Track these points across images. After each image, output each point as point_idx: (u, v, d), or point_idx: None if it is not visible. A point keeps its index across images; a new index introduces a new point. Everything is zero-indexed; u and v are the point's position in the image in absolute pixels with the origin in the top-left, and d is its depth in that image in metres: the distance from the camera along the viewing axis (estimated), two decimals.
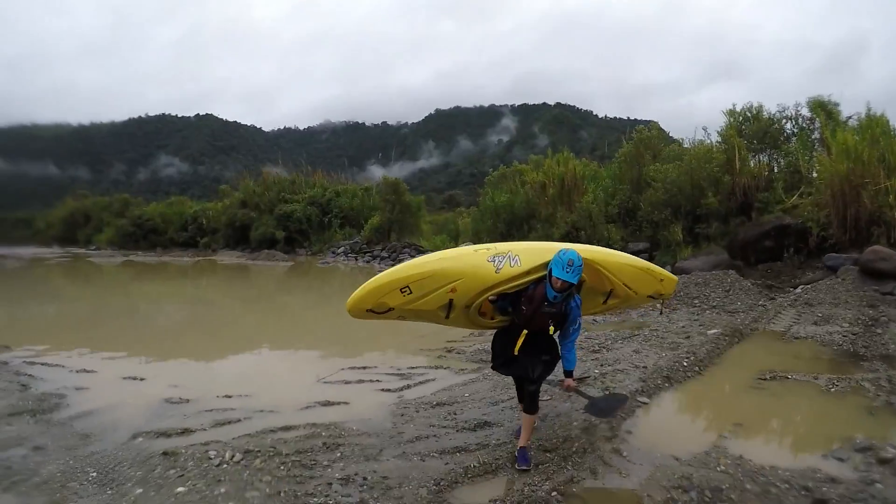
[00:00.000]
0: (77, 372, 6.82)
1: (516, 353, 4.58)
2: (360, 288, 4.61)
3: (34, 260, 34.86)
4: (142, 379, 6.48)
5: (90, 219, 55.32)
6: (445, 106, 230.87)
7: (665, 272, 5.38)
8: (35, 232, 75.87)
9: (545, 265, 4.44)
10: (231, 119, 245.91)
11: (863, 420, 5.12)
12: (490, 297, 4.63)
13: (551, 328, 4.50)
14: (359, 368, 6.98)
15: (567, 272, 4.23)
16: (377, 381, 6.50)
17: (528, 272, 4.52)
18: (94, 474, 4.14)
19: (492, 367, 4.93)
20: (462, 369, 7.05)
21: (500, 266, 4.52)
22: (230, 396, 5.81)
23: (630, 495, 3.91)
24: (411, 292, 4.56)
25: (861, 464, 4.19)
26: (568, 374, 4.60)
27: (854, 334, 7.97)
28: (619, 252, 5.56)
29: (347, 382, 6.45)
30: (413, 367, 7.06)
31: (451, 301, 4.64)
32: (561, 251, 4.36)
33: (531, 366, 4.59)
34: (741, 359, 7.27)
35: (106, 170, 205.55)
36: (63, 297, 17.48)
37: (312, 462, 4.33)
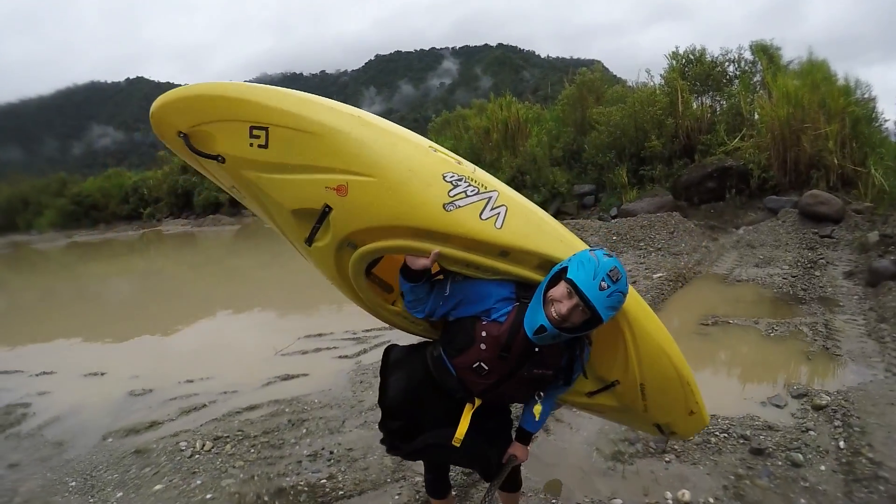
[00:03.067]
0: (37, 375, 6.82)
1: (457, 442, 2.49)
2: (188, 86, 2.56)
3: None
4: (103, 374, 6.55)
5: (28, 203, 53.45)
6: (385, 51, 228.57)
7: (702, 404, 2.82)
8: None
9: (549, 262, 2.43)
10: (164, 80, 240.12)
11: (800, 365, 5.40)
12: (408, 259, 2.41)
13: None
14: (315, 336, 7.12)
15: (600, 290, 2.18)
16: (334, 347, 6.66)
17: (508, 251, 2.41)
18: (74, 484, 4.20)
19: (388, 449, 2.73)
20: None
21: (460, 203, 2.35)
22: (192, 381, 5.91)
23: (580, 449, 4.07)
24: (266, 145, 2.37)
25: (797, 411, 4.41)
26: (524, 437, 2.75)
27: (794, 276, 8.37)
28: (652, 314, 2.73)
29: (304, 353, 6.60)
30: (368, 330, 7.19)
31: (325, 210, 2.39)
32: (596, 249, 2.33)
33: (486, 452, 2.66)
34: (685, 304, 7.56)
35: (38, 148, 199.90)
36: (8, 290, 17.12)
37: (280, 441, 4.44)
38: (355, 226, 2.36)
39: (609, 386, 2.73)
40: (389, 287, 2.91)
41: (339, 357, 6.31)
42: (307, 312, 8.90)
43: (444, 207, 2.30)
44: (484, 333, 2.33)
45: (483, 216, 2.34)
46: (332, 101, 2.50)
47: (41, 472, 4.44)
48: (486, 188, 2.38)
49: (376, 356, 6.13)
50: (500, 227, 2.35)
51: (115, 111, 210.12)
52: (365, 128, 2.39)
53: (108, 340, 8.55)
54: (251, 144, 2.34)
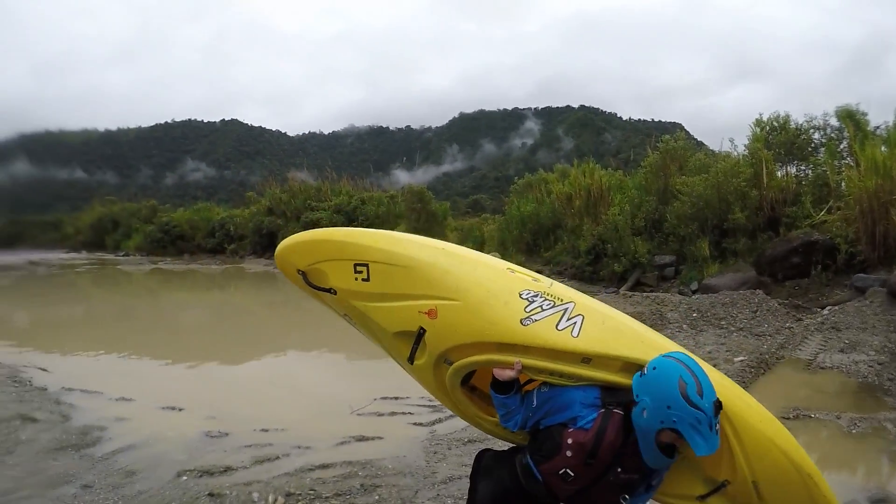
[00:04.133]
0: (116, 400, 6.91)
1: None
2: (302, 233, 3.25)
3: (64, 266, 35.33)
4: (180, 409, 6.59)
5: (118, 224, 56.02)
6: (469, 109, 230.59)
7: (832, 499, 2.57)
8: (63, 236, 77.30)
9: (631, 364, 2.47)
10: (256, 124, 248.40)
11: (881, 466, 5.12)
12: (495, 371, 2.58)
13: None
14: (391, 399, 7.06)
15: (712, 434, 2.14)
16: (409, 413, 6.57)
17: (590, 357, 2.50)
18: None
19: None
20: None
21: (536, 317, 2.54)
22: (266, 430, 5.90)
23: None
24: (368, 279, 2.87)
25: None
26: None
27: (880, 364, 7.87)
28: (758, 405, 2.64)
29: (380, 415, 6.54)
30: None
31: (420, 332, 2.73)
32: (686, 359, 2.28)
33: None
34: (767, 393, 7.24)
35: (133, 174, 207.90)
36: (89, 302, 17.84)
37: None
38: (446, 344, 2.70)
39: (719, 487, 2.58)
40: (487, 396, 2.98)
41: (414, 424, 6.23)
42: (380, 368, 8.89)
43: (522, 322, 2.54)
44: (570, 441, 2.35)
45: (559, 327, 2.53)
46: (420, 236, 3.07)
47: (113, 498, 4.48)
48: (561, 301, 2.62)
49: (451, 427, 6.07)
50: (577, 336, 2.51)
51: (209, 148, 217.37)
52: (448, 257, 2.85)
53: (185, 371, 8.69)
54: (356, 278, 2.90)
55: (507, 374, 2.53)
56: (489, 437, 5.37)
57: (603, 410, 2.37)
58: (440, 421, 6.31)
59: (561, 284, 2.81)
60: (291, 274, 3.16)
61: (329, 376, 8.90)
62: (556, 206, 21.07)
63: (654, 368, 2.25)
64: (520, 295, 2.61)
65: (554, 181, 23.56)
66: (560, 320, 2.54)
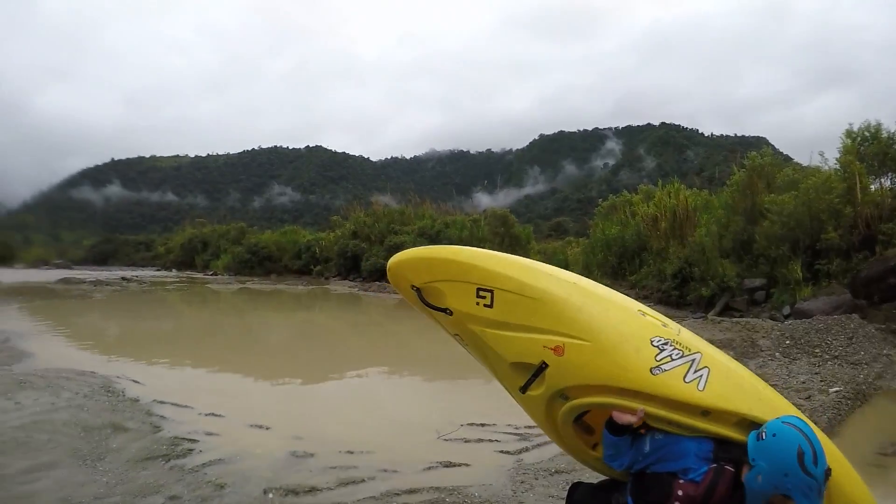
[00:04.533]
0: (206, 415, 6.98)
1: None
2: (422, 248, 3.17)
3: (155, 283, 36.76)
4: (267, 428, 6.60)
5: (208, 245, 58.18)
6: (549, 130, 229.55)
7: None
8: (155, 255, 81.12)
9: (748, 421, 2.44)
10: (340, 150, 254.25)
11: None
12: (615, 414, 2.54)
13: None
14: (477, 425, 6.98)
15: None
16: (496, 440, 6.44)
17: (710, 411, 2.46)
18: None
19: None
20: None
21: (665, 367, 2.49)
22: (352, 452, 5.87)
23: None
24: (491, 305, 2.74)
25: None
26: None
27: None
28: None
29: (467, 441, 6.42)
30: (531, 427, 6.74)
31: (542, 367, 2.65)
32: (803, 426, 2.26)
33: None
34: (863, 426, 6.85)
35: (222, 198, 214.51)
36: (178, 317, 18.43)
37: None
38: (569, 382, 2.64)
39: None
40: (591, 428, 3.04)
41: (501, 451, 6.11)
42: (464, 392, 8.82)
43: (651, 371, 2.48)
44: (680, 493, 2.33)
45: (687, 379, 2.48)
46: (550, 266, 2.94)
47: None
48: (689, 351, 2.54)
49: (538, 456, 5.89)
50: (703, 389, 2.46)
51: (295, 173, 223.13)
52: (581, 294, 2.73)
53: (271, 389, 8.80)
54: (477, 303, 2.77)
55: (628, 419, 2.51)
56: (577, 467, 5.25)
57: (715, 466, 2.36)
58: (527, 450, 6.17)
59: (687, 331, 2.76)
60: (404, 288, 3.09)
61: (412, 398, 8.86)
62: (642, 228, 20.71)
63: (774, 435, 2.23)
64: (651, 342, 2.55)
65: (638, 202, 23.16)
66: (688, 372, 2.50)
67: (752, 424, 2.39)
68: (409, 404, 8.47)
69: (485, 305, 2.76)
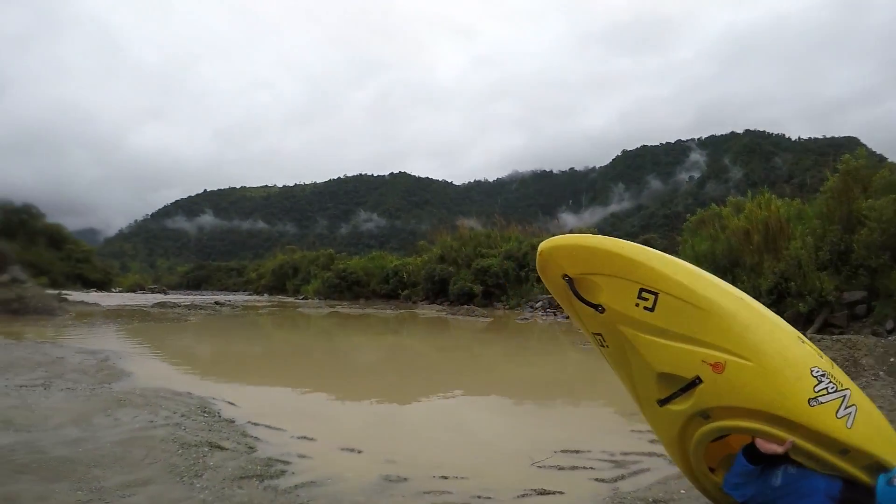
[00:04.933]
0: (298, 438, 6.97)
1: None
2: (583, 236, 2.80)
3: (247, 307, 37.72)
4: (359, 451, 6.55)
5: (298, 270, 59.83)
6: (631, 146, 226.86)
7: None
8: (246, 280, 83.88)
9: (880, 465, 2.40)
10: (423, 175, 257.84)
11: None
12: (759, 441, 2.45)
13: None
14: (571, 452, 6.82)
15: None
16: (590, 468, 6.28)
17: (849, 450, 2.40)
18: None
19: None
20: None
21: (822, 399, 2.40)
22: (446, 477, 5.81)
23: None
24: (652, 308, 2.53)
25: None
26: None
27: None
28: None
29: (561, 468, 6.24)
30: (626, 453, 6.62)
31: (695, 382, 2.49)
32: None
33: None
34: None
35: (310, 225, 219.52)
36: (269, 340, 18.94)
37: None
38: (721, 402, 2.47)
39: None
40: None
41: (596, 479, 5.93)
42: (555, 417, 8.61)
43: (809, 402, 2.37)
44: None
45: (839, 414, 2.39)
46: (714, 276, 2.69)
47: None
48: (842, 386, 2.46)
49: (634, 484, 5.65)
50: (851, 427, 2.38)
51: (380, 200, 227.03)
52: (748, 311, 2.55)
53: (362, 413, 8.75)
54: (637, 304, 2.55)
55: (773, 448, 2.42)
56: (674, 497, 5.10)
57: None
58: (623, 477, 5.95)
59: (837, 367, 2.66)
60: (552, 276, 2.81)
61: (502, 422, 8.71)
62: (733, 242, 20.05)
63: None
64: (811, 371, 2.44)
65: (728, 216, 22.48)
66: (840, 407, 2.41)
67: (880, 468, 2.36)
68: (498, 428, 8.33)
69: (645, 308, 2.55)
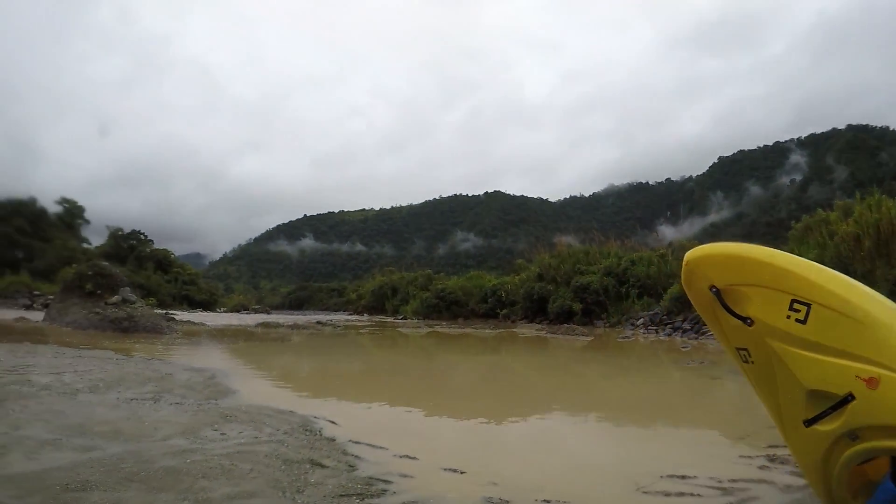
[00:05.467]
0: (400, 457, 6.88)
1: None
2: (732, 244, 2.69)
3: (347, 326, 38.29)
4: (462, 472, 6.44)
5: (397, 291, 60.78)
6: (727, 151, 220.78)
7: None
8: (347, 301, 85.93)
9: None
10: (518, 193, 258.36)
11: None
12: None
13: None
14: (677, 477, 6.58)
15: None
16: (697, 495, 6.04)
17: None
18: None
19: None
20: (788, 486, 6.24)
21: None
22: (548, 502, 5.70)
23: None
24: (804, 321, 2.37)
25: None
26: None
27: None
28: None
29: (667, 495, 6.02)
30: (734, 480, 6.20)
31: (846, 399, 2.29)
32: None
33: None
34: None
35: (408, 246, 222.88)
36: (369, 358, 19.27)
37: None
38: (873, 420, 2.25)
39: None
40: None
41: None
42: (657, 439, 8.29)
43: None
44: None
45: None
46: (867, 287, 2.47)
47: None
48: None
49: None
50: None
51: (476, 219, 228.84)
52: None
53: (463, 432, 8.59)
54: (788, 317, 2.38)
55: None
56: None
57: None
58: None
59: None
60: (698, 287, 2.70)
61: (603, 445, 8.45)
62: (842, 249, 19.18)
63: None
64: None
65: (836, 221, 21.53)
66: None
67: None
68: (599, 450, 8.09)
69: (797, 320, 2.38)
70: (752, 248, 2.56)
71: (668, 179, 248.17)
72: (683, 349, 20.41)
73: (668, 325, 27.75)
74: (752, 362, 2.62)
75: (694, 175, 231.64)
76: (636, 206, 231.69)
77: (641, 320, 30.34)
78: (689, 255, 2.72)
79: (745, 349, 2.62)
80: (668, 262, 34.58)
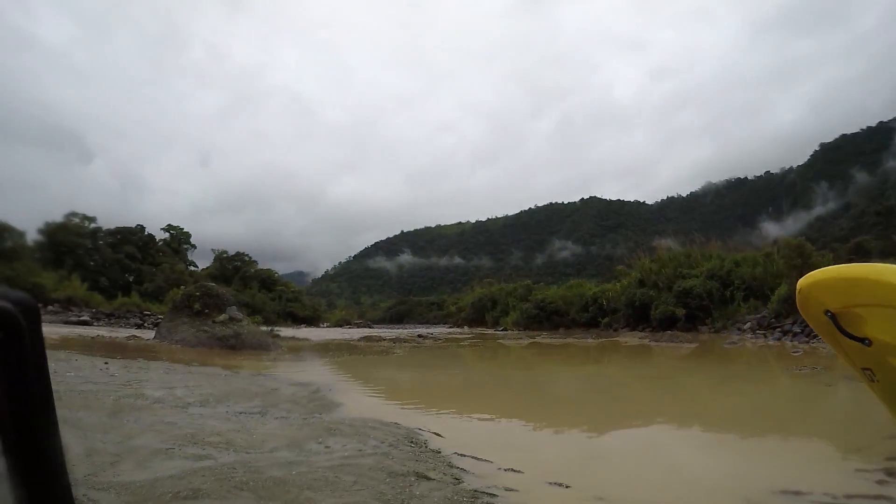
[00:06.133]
0: (505, 470, 6.77)
1: None
2: (842, 266, 2.55)
3: (448, 339, 38.66)
4: (567, 486, 6.35)
5: (496, 303, 60.74)
6: (828, 137, 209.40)
7: None
8: (446, 314, 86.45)
9: None
10: (614, 197, 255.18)
11: None
12: None
13: None
14: (791, 493, 6.23)
15: None
16: None
17: None
18: None
19: None
20: None
21: None
22: None
23: None
24: None
25: None
26: None
27: None
28: None
29: None
30: (850, 496, 5.81)
31: None
32: None
33: None
34: None
35: (505, 257, 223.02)
36: (469, 371, 19.32)
37: None
38: None
39: None
40: None
41: None
42: (766, 453, 7.90)
43: None
44: None
45: None
46: None
47: None
48: None
49: None
50: None
51: (573, 227, 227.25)
52: None
53: (567, 446, 8.47)
54: None
55: None
56: None
57: None
58: None
59: None
60: (814, 314, 2.60)
61: (709, 457, 8.10)
62: None
63: None
64: None
65: None
66: None
67: None
68: (706, 463, 7.76)
69: None
70: (862, 268, 2.39)
71: (767, 173, 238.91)
72: (794, 354, 19.63)
73: (777, 329, 26.35)
74: (878, 381, 2.52)
75: (794, 166, 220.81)
76: (736, 203, 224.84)
77: (748, 324, 29.03)
78: (801, 282, 2.57)
79: (868, 369, 2.52)
80: (773, 262, 32.94)
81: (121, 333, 32.88)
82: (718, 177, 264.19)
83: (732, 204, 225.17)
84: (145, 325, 43.05)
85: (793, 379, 14.16)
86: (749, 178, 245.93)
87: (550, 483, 6.34)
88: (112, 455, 5.94)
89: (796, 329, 24.60)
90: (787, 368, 15.81)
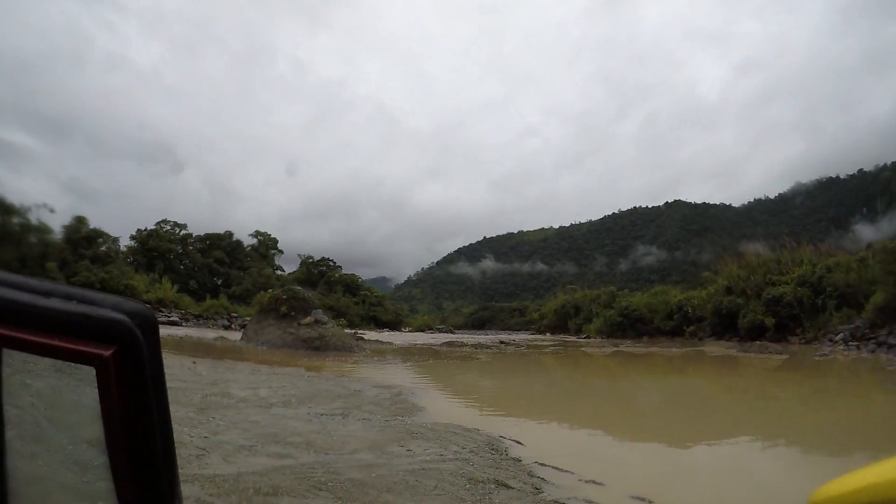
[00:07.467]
0: (586, 482, 6.67)
1: None
2: (854, 475, 1.36)
3: (530, 346, 38.53)
4: (650, 502, 6.24)
5: (580, 310, 60.22)
6: None
7: None
8: (529, 320, 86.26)
9: None
10: (699, 201, 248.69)
11: None
12: None
13: None
14: None
15: None
16: None
17: None
18: None
19: None
20: None
21: None
22: None
23: None
24: None
25: None
26: None
27: None
28: None
29: None
30: None
31: None
32: None
33: None
34: None
35: (589, 263, 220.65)
36: (551, 378, 19.27)
37: None
38: None
39: None
40: None
41: None
42: (847, 469, 7.70)
43: None
44: None
45: None
46: None
47: None
48: None
49: None
50: None
51: (657, 232, 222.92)
52: None
53: (649, 459, 8.32)
54: None
55: None
56: None
57: None
58: None
59: None
60: None
61: (795, 476, 7.76)
62: None
63: None
64: None
65: None
66: None
67: None
68: (792, 482, 7.39)
69: None
70: (882, 471, 1.84)
71: (860, 170, 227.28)
72: (889, 368, 18.72)
73: (872, 340, 25.08)
74: None
75: (889, 162, 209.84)
76: (827, 204, 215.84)
77: (840, 335, 27.67)
78: (810, 498, 2.24)
79: None
80: (868, 267, 30.94)
81: (208, 334, 33.98)
82: (808, 176, 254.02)
83: (823, 205, 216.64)
84: (232, 326, 44.38)
85: (887, 394, 13.55)
86: (841, 176, 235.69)
87: (633, 497, 6.21)
88: (198, 449, 6.12)
89: (892, 341, 23.47)
90: (882, 382, 15.15)
